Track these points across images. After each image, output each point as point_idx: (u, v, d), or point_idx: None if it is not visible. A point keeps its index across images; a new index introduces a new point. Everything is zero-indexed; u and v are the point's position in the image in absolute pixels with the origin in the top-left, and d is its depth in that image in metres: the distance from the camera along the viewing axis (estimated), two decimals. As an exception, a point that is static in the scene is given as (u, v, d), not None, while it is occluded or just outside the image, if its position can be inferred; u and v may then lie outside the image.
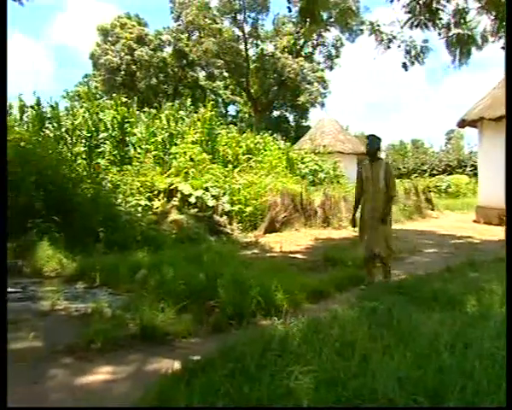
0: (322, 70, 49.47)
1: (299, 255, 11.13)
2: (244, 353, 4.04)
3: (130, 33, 45.70)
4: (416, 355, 4.03)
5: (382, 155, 41.17)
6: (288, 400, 3.41)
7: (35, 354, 5.01)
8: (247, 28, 48.18)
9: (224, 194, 15.15)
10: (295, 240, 13.44)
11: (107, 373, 4.54)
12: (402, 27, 13.24)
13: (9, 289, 8.20)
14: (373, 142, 8.09)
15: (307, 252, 11.60)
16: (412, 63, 13.71)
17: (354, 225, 8.43)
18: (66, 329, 5.80)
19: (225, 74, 51.27)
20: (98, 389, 4.21)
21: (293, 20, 44.87)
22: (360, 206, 8.26)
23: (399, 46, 13.67)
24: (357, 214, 8.32)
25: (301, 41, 48.47)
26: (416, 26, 12.83)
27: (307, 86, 47.91)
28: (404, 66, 13.73)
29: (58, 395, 4.16)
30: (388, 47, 13.76)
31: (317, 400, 3.39)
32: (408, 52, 13.66)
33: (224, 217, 14.38)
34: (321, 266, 9.81)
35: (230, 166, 19.01)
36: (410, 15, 12.83)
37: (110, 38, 46.53)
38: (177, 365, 4.27)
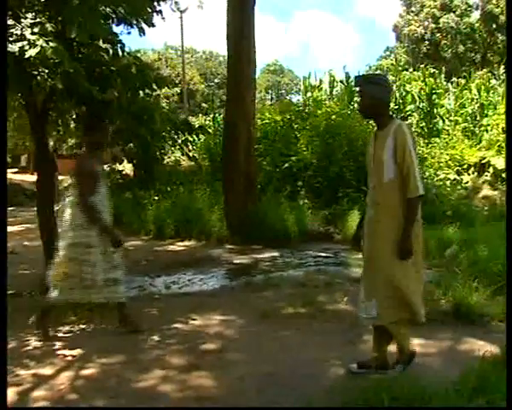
0: None
1: None
2: None
3: (434, 1, 44.08)
4: None
5: None
6: None
7: (349, 316, 5.28)
8: None
9: (548, 171, 13.79)
10: None
11: (419, 346, 4.50)
12: None
13: (322, 254, 8.83)
14: (367, 90, 3.75)
15: None
16: None
17: (356, 246, 4.28)
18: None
19: (545, 36, 46.12)
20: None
21: None
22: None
23: None
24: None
25: None
26: None
27: None
28: None
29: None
30: None
31: None
32: None
33: (548, 195, 13.12)
34: None
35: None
36: None
37: (413, 8, 45.58)
38: (495, 349, 4.02)
